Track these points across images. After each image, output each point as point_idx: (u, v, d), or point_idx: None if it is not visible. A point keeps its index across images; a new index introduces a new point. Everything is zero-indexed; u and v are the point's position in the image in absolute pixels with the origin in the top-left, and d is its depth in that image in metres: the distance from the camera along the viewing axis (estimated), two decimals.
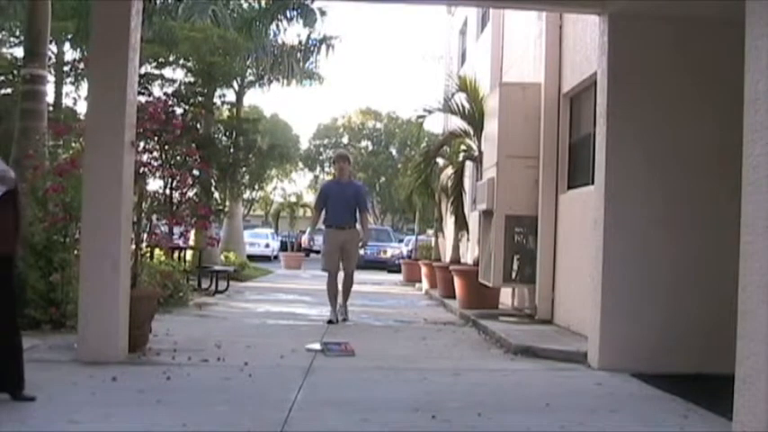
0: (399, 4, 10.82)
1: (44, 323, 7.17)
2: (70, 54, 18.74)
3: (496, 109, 9.87)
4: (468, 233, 13.22)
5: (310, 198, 33.29)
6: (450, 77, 14.65)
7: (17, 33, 17.50)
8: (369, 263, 26.51)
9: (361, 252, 9.96)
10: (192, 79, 16.79)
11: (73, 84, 19.17)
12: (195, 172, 12.40)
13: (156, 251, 11.15)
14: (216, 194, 17.27)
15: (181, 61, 16.45)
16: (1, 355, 4.46)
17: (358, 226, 9.66)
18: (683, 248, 6.28)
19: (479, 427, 4.29)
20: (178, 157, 11.30)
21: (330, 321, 9.15)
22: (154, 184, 9.96)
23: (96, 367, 5.51)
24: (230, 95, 19.65)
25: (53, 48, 17.53)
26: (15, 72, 16.36)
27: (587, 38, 8.12)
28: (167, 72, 16.74)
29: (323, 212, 9.62)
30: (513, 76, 11.60)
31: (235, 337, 7.47)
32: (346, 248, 9.37)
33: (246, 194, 26.00)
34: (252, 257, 25.18)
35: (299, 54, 19.74)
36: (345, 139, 45.81)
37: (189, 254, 14.36)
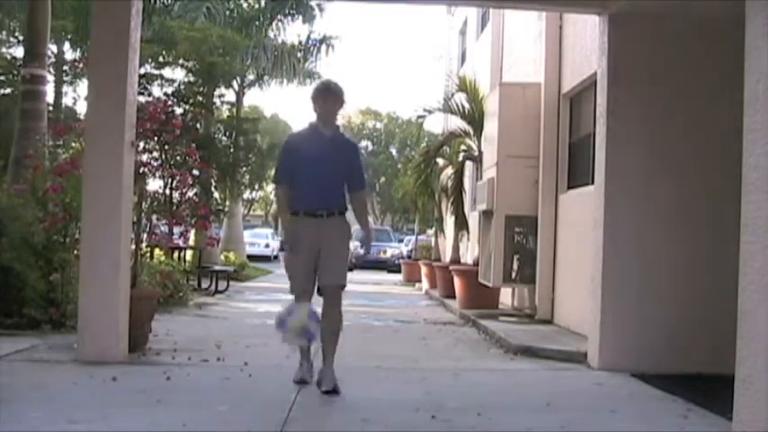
0: (399, 4, 10.82)
1: (44, 323, 7.16)
2: (70, 54, 18.76)
3: (496, 109, 9.87)
4: (468, 233, 13.23)
5: None
6: (450, 77, 14.67)
7: (17, 33, 17.50)
8: (369, 263, 26.53)
9: (353, 258, 5.58)
10: (191, 79, 16.78)
11: (71, 84, 19.19)
12: (195, 172, 12.39)
13: (156, 251, 11.14)
14: (216, 194, 17.27)
15: (180, 61, 16.45)
16: None
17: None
18: (683, 248, 6.28)
19: (479, 427, 4.29)
20: (178, 157, 11.28)
21: (302, 381, 5.27)
22: (154, 184, 9.95)
23: (96, 367, 5.51)
24: (230, 95, 19.68)
25: (53, 47, 17.53)
26: (15, 72, 16.36)
27: (587, 38, 8.12)
28: (167, 72, 16.75)
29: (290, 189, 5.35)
30: (513, 76, 11.60)
31: (235, 337, 7.47)
32: (327, 252, 5.21)
33: (246, 194, 26.00)
34: (252, 257, 25.17)
35: (299, 54, 19.75)
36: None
37: (189, 254, 14.37)
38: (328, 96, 5.39)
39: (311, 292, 5.32)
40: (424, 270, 16.82)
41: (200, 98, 16.76)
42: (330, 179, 5.27)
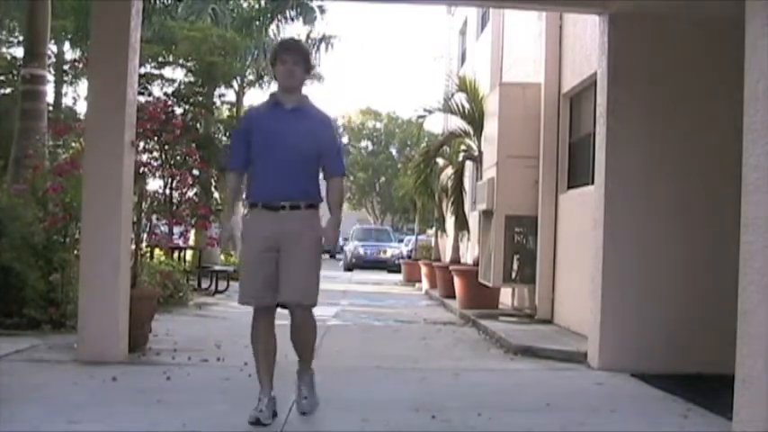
0: (399, 4, 10.82)
1: (44, 323, 7.16)
2: (70, 54, 18.76)
3: (496, 109, 9.87)
4: (468, 233, 13.23)
5: None
6: (450, 77, 14.67)
7: (17, 33, 17.50)
8: (369, 263, 26.54)
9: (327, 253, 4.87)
10: (191, 79, 16.79)
11: (71, 84, 19.19)
12: (195, 172, 12.40)
13: (156, 251, 11.15)
14: (216, 194, 17.26)
15: (180, 61, 16.46)
16: None
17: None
18: (683, 248, 6.28)
19: (479, 427, 4.29)
20: (178, 157, 11.29)
21: (257, 422, 4.14)
22: (154, 184, 9.97)
23: (96, 367, 5.51)
24: (230, 95, 19.66)
25: (53, 47, 17.53)
26: (15, 72, 16.36)
27: (587, 38, 8.12)
28: (167, 72, 16.77)
29: (245, 177, 4.44)
30: (513, 76, 11.60)
31: (235, 337, 7.45)
32: (288, 257, 4.19)
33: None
34: None
35: None
36: (345, 139, 45.80)
37: (189, 254, 14.36)
38: (285, 55, 4.28)
39: (269, 305, 4.29)
40: (424, 270, 16.81)
41: (200, 98, 16.75)
42: (293, 162, 4.23)
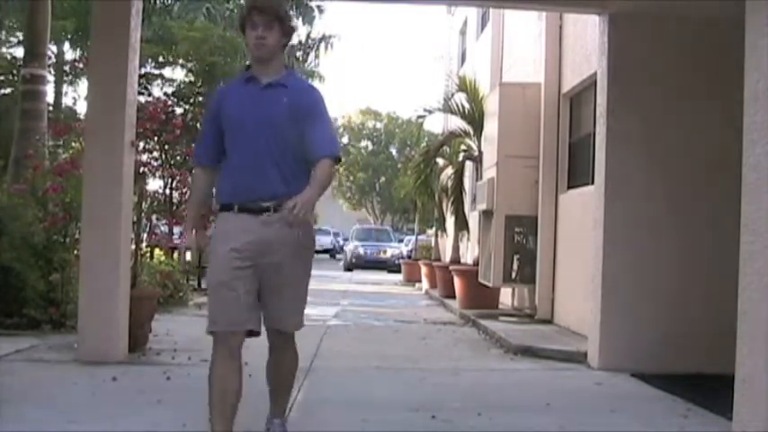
0: (399, 4, 10.82)
1: (44, 323, 7.17)
2: (70, 54, 18.76)
3: (496, 109, 9.88)
4: (468, 233, 13.23)
5: None
6: (450, 77, 14.68)
7: (17, 33, 17.51)
8: (369, 263, 26.54)
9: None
10: (191, 79, 16.78)
11: (71, 84, 19.19)
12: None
13: (156, 251, 11.14)
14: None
15: (180, 61, 16.45)
16: None
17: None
18: (683, 248, 6.28)
19: (479, 427, 4.29)
20: (178, 157, 11.29)
21: None
22: (154, 184, 9.98)
23: (96, 367, 5.51)
24: None
25: (53, 47, 17.54)
26: (15, 72, 16.36)
27: (587, 38, 8.12)
28: (167, 72, 16.75)
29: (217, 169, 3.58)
30: (513, 76, 11.60)
31: None
32: (277, 271, 3.35)
33: None
34: None
35: (298, 53, 19.74)
36: (345, 139, 45.82)
37: (189, 254, 14.35)
38: (255, 17, 3.38)
39: (239, 335, 3.43)
40: (424, 270, 16.82)
41: (200, 98, 16.75)
42: (273, 149, 3.32)
